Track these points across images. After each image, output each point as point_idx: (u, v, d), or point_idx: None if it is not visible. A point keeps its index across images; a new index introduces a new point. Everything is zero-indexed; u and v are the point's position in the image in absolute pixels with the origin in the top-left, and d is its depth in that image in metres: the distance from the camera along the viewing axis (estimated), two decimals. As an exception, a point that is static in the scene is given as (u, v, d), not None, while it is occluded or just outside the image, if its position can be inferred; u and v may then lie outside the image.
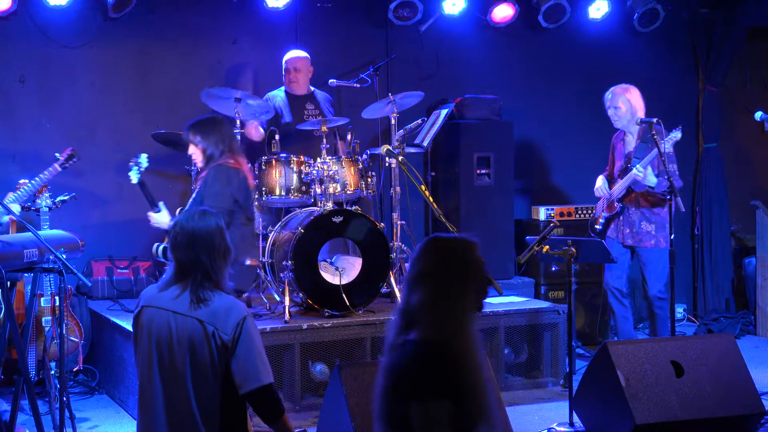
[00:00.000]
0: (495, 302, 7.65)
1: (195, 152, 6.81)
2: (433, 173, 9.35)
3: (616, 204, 7.90)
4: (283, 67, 8.48)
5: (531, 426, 6.58)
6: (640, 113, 7.87)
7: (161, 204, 6.87)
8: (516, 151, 9.38)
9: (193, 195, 6.89)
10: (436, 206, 7.03)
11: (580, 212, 9.37)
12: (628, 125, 7.91)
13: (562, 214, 9.33)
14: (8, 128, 8.43)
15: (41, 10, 8.37)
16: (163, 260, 6.70)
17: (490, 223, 8.99)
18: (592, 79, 9.92)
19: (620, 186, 7.85)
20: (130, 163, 7.07)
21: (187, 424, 4.15)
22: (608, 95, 7.97)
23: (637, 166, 7.58)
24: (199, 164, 6.78)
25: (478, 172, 9.07)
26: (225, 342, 4.13)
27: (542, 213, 9.34)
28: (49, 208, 7.06)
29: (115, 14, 8.48)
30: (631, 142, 7.94)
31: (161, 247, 6.61)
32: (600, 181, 8.07)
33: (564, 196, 10.07)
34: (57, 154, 7.31)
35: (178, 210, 6.46)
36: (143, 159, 7.06)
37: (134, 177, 7.01)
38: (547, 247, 6.57)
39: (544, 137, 10.15)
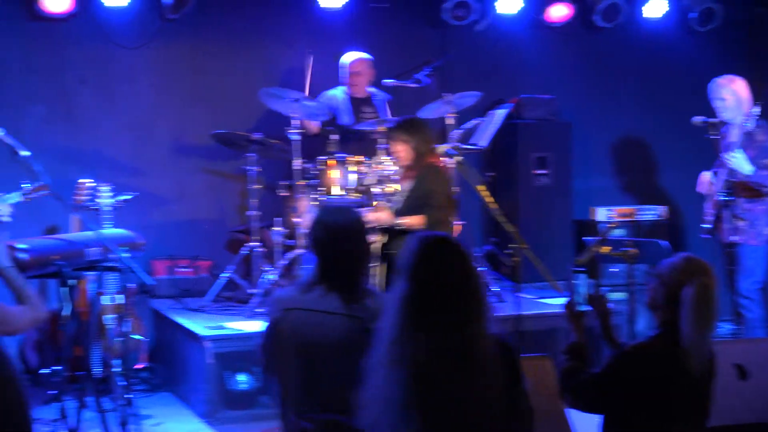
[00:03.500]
0: (554, 303, 7.57)
1: (402, 150, 6.74)
2: (490, 173, 9.29)
3: (718, 199, 7.55)
4: (346, 69, 8.44)
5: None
6: (748, 104, 7.52)
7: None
8: (574, 151, 9.29)
9: (406, 189, 6.77)
10: (494, 207, 6.96)
11: (640, 213, 9.24)
12: (735, 117, 7.56)
13: (622, 215, 9.21)
14: (68, 128, 8.49)
15: (101, 12, 8.42)
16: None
17: (548, 223, 8.93)
18: (650, 79, 9.81)
19: (719, 179, 7.55)
20: None
21: (344, 421, 3.96)
22: (712, 86, 7.62)
23: (732, 152, 7.23)
24: (405, 162, 6.73)
25: (536, 172, 9.01)
26: None
27: (601, 214, 9.23)
28: (111, 208, 7.07)
29: (172, 15, 8.51)
30: (736, 134, 7.57)
31: (381, 244, 6.63)
32: (706, 176, 7.75)
33: (623, 197, 9.95)
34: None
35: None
36: None
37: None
38: (608, 248, 6.48)
39: (602, 137, 10.04)
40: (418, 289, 3.31)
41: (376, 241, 6.66)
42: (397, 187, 7.49)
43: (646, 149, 9.75)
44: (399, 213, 6.61)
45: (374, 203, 6.91)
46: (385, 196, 7.11)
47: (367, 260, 4.23)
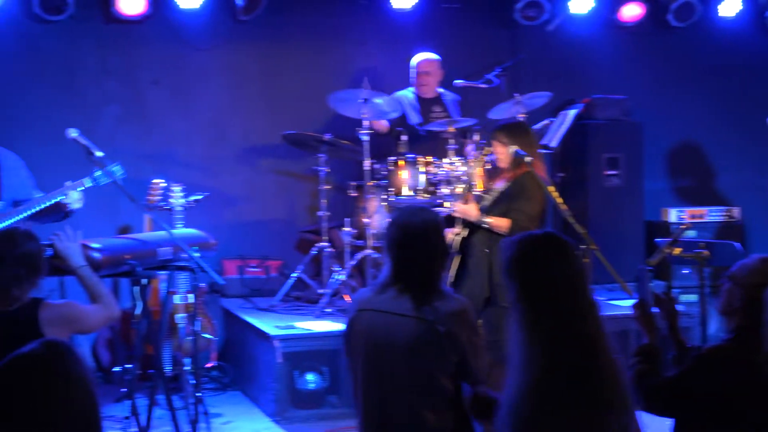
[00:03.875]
0: (624, 305, 7.48)
1: (502, 152, 6.73)
2: (561, 174, 9.20)
3: None
4: (414, 69, 8.44)
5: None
6: None
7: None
8: (646, 152, 9.18)
9: (499, 190, 6.77)
10: (564, 207, 6.88)
11: (712, 214, 9.10)
12: None
13: (694, 216, 9.08)
14: (142, 129, 8.60)
15: (174, 13, 8.51)
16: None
17: (619, 224, 8.83)
18: (725, 79, 9.66)
19: None
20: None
21: (410, 425, 3.96)
22: None
23: None
24: (503, 165, 6.71)
25: (607, 173, 8.93)
26: (455, 340, 3.91)
27: (673, 215, 9.11)
28: (183, 208, 7.15)
29: (244, 17, 8.58)
30: None
31: (460, 238, 6.59)
32: None
33: (696, 198, 9.81)
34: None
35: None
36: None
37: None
38: (679, 249, 6.37)
39: (675, 138, 9.91)
40: (529, 289, 3.25)
41: (457, 233, 6.61)
42: (480, 185, 7.45)
43: (718, 150, 9.61)
44: (485, 211, 6.55)
45: (467, 195, 6.87)
46: (461, 193, 7.06)
47: (442, 261, 4.11)
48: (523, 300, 3.24)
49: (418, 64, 8.44)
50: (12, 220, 5.69)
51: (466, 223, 6.58)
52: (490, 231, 6.36)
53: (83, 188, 5.72)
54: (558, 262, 3.29)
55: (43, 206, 5.70)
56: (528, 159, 6.34)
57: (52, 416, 2.37)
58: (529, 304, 3.23)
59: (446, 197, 7.41)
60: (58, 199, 5.69)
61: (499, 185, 6.71)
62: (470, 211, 6.58)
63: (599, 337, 3.25)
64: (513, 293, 3.28)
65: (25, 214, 5.74)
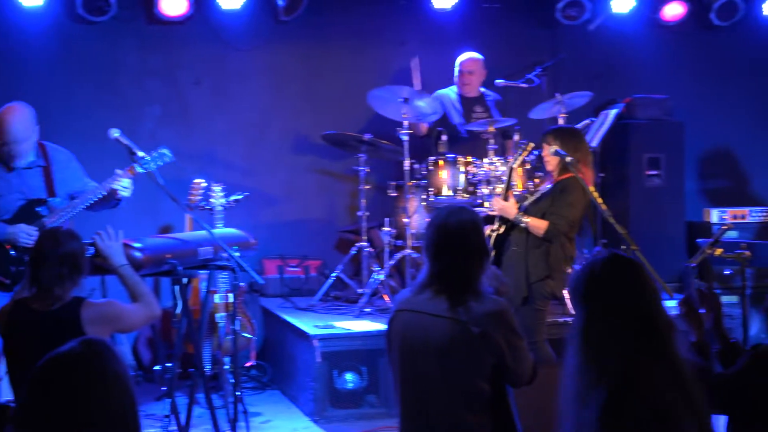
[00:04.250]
0: (667, 305, 7.41)
1: (551, 156, 6.72)
2: (601, 174, 9.14)
3: None
4: (457, 69, 8.42)
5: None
6: None
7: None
8: (687, 152, 9.11)
9: (541, 191, 6.76)
10: (605, 208, 6.83)
11: (754, 215, 9.01)
12: None
13: (735, 217, 8.99)
14: (183, 129, 8.64)
15: (215, 14, 8.55)
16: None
17: (660, 225, 8.76)
18: (765, 78, 9.55)
19: None
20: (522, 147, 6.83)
21: (448, 426, 3.93)
22: None
23: None
24: (550, 167, 6.69)
25: (648, 173, 8.86)
26: (490, 341, 3.87)
27: (715, 215, 9.03)
28: (223, 207, 7.18)
29: (285, 17, 8.60)
30: None
31: (495, 234, 6.55)
32: None
33: (738, 198, 9.71)
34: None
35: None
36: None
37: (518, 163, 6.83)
38: (721, 250, 6.32)
39: (716, 137, 9.82)
40: (604, 313, 3.15)
41: (493, 229, 6.58)
42: (519, 185, 7.43)
43: (760, 149, 9.51)
44: (525, 211, 6.51)
45: (509, 192, 6.81)
46: (501, 191, 7.03)
47: (480, 261, 4.04)
48: (598, 323, 3.15)
49: (462, 63, 8.42)
50: (70, 213, 5.81)
51: (504, 221, 6.54)
52: (527, 231, 6.32)
53: (134, 174, 5.84)
54: (632, 284, 3.21)
55: (97, 197, 5.83)
56: (568, 160, 6.28)
57: (89, 414, 2.39)
58: (604, 328, 3.14)
59: (486, 197, 7.40)
60: (111, 186, 5.83)
61: (544, 187, 6.67)
62: (509, 208, 6.52)
63: (677, 357, 3.16)
64: (584, 316, 3.20)
65: (81, 207, 5.86)
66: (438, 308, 3.93)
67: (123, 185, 5.88)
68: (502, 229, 6.55)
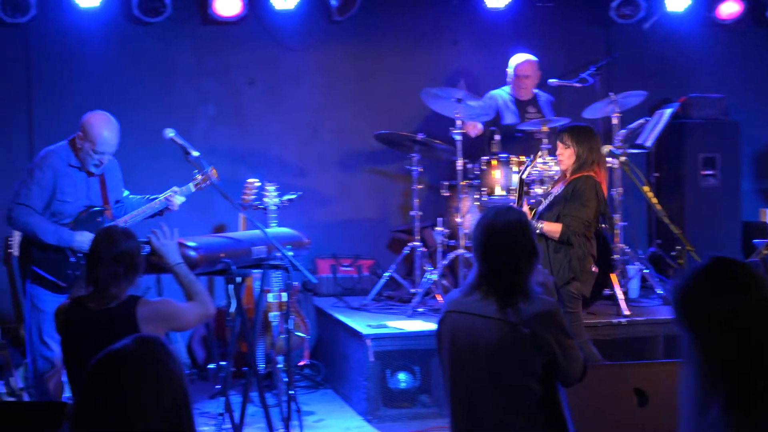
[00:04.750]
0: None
1: (565, 155, 6.67)
2: (656, 174, 9.09)
3: None
4: (512, 71, 8.35)
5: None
6: None
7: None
8: (743, 152, 9.01)
9: (554, 194, 6.73)
10: (659, 208, 6.78)
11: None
12: None
13: (793, 217, 8.88)
14: (237, 129, 8.69)
15: (269, 14, 8.58)
16: None
17: (715, 225, 8.68)
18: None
19: None
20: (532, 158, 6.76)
21: (498, 427, 3.92)
22: None
23: None
24: (563, 167, 6.65)
25: (704, 173, 8.78)
26: (541, 342, 3.84)
27: (771, 215, 8.92)
28: (277, 207, 7.20)
29: (339, 17, 8.61)
30: None
31: None
32: None
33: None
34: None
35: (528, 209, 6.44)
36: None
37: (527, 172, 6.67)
38: (777, 250, 6.23)
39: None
40: (711, 325, 2.83)
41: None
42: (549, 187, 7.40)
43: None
44: (540, 216, 6.43)
45: (522, 201, 6.76)
46: (533, 195, 7.01)
47: (529, 262, 3.98)
48: (704, 337, 2.86)
49: (518, 66, 8.34)
50: (129, 224, 5.91)
51: None
52: (545, 237, 6.25)
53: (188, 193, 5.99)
54: (740, 291, 2.87)
55: (156, 211, 6.00)
56: (622, 159, 6.22)
57: (142, 411, 2.39)
58: (712, 341, 2.85)
59: (538, 197, 7.35)
60: (165, 204, 6.01)
61: (556, 189, 6.60)
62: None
63: None
64: (689, 330, 2.89)
65: (141, 218, 5.99)
66: (487, 310, 3.91)
67: (178, 202, 6.00)
68: None
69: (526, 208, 6.51)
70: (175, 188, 6.04)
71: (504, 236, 3.99)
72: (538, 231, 6.22)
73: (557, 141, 6.62)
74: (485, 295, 3.95)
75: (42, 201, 5.84)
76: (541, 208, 6.49)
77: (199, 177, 5.83)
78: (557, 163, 6.75)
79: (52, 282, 5.73)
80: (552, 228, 6.24)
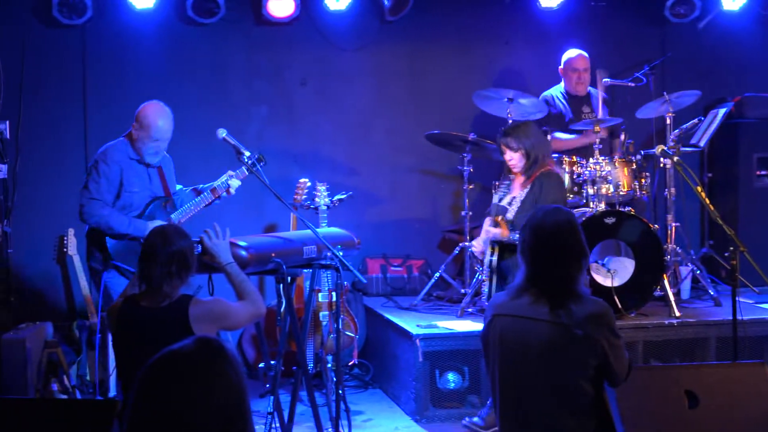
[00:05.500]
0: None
1: (514, 157, 6.60)
2: (709, 174, 9.03)
3: None
4: (568, 67, 8.33)
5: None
6: None
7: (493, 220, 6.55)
8: (801, 152, 8.93)
9: (519, 198, 6.70)
10: (712, 208, 6.73)
11: None
12: None
13: None
14: (289, 129, 8.73)
15: (322, 15, 8.64)
16: (486, 269, 6.60)
17: (769, 226, 8.60)
18: None
19: None
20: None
21: (549, 427, 3.92)
22: None
23: None
24: (517, 169, 6.61)
25: (759, 173, 8.70)
26: (594, 343, 3.85)
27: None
28: (328, 207, 7.25)
29: (391, 17, 8.64)
30: None
31: (492, 258, 6.44)
32: None
33: None
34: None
35: (487, 222, 6.40)
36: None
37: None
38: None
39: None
40: None
41: (491, 256, 6.47)
42: (610, 187, 7.37)
43: None
44: (514, 226, 6.34)
45: (497, 218, 6.69)
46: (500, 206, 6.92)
47: (578, 263, 3.99)
48: None
49: (574, 61, 8.30)
50: (192, 212, 6.10)
51: (500, 244, 6.39)
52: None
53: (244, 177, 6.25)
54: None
55: (212, 198, 6.28)
56: (665, 152, 6.16)
57: (198, 412, 2.39)
58: None
59: (591, 197, 7.35)
60: (225, 186, 6.28)
61: (519, 193, 6.52)
62: (499, 231, 6.37)
63: None
64: None
65: (201, 206, 6.16)
66: (538, 312, 3.91)
67: (235, 186, 6.17)
68: (497, 251, 6.40)
69: (502, 224, 6.39)
70: (230, 172, 6.21)
71: (553, 237, 3.99)
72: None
73: (501, 145, 6.55)
74: (535, 297, 3.95)
75: (111, 194, 6.06)
76: (511, 216, 6.39)
77: (249, 161, 5.90)
78: (513, 167, 6.64)
79: (132, 273, 5.85)
80: None
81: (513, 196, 6.80)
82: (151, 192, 6.26)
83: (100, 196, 6.08)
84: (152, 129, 6.16)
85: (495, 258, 6.46)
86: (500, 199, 6.96)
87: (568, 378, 3.87)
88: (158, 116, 6.19)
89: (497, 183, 7.21)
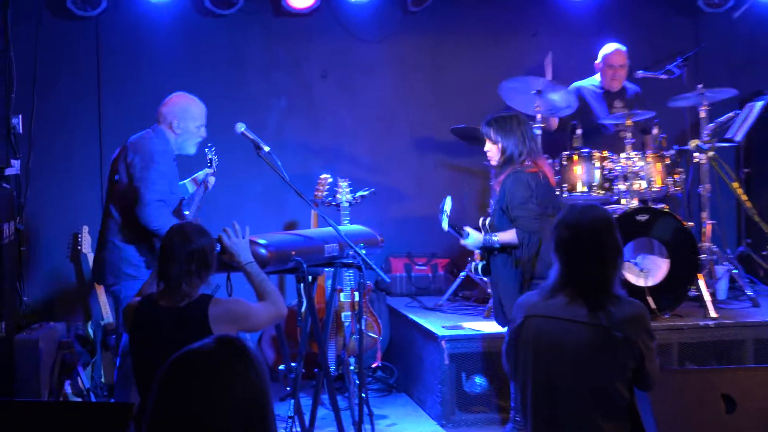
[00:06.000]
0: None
1: (492, 149, 6.51)
2: (746, 170, 8.97)
3: None
4: (603, 62, 8.28)
5: None
6: None
7: (467, 229, 6.51)
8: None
9: (493, 201, 6.69)
10: (750, 205, 6.69)
11: None
12: None
13: None
14: (309, 123, 8.71)
15: (343, 5, 8.63)
16: (481, 277, 6.52)
17: (808, 223, 8.52)
18: None
19: None
20: (441, 209, 6.50)
21: (585, 430, 3.89)
22: None
23: None
24: (494, 162, 6.57)
25: (798, 169, 8.66)
26: (632, 345, 3.84)
27: None
28: (350, 204, 7.24)
29: (414, 8, 8.63)
30: None
31: (480, 266, 6.39)
32: None
33: None
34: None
35: (480, 221, 6.35)
36: (448, 205, 6.73)
37: (446, 224, 6.42)
38: None
39: None
40: None
41: (477, 263, 6.41)
42: (642, 183, 7.33)
43: None
44: (492, 228, 6.25)
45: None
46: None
47: (615, 262, 3.97)
48: None
49: (610, 56, 8.25)
50: (196, 205, 6.13)
51: (483, 251, 6.33)
52: (508, 248, 6.07)
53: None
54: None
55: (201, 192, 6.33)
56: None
57: (219, 413, 2.38)
58: None
59: (623, 194, 7.31)
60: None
61: (494, 196, 6.41)
62: (475, 240, 6.27)
63: None
64: None
65: (200, 199, 6.20)
66: (575, 314, 3.89)
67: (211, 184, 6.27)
68: (484, 261, 6.34)
69: (476, 232, 6.29)
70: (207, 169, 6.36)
71: (591, 235, 3.96)
72: (498, 246, 6.09)
73: (484, 136, 6.42)
74: (572, 298, 3.93)
75: (165, 194, 5.99)
76: (487, 221, 6.32)
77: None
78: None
79: None
80: (506, 236, 6.03)
81: (492, 199, 6.69)
82: (179, 190, 6.27)
83: (160, 197, 5.97)
84: (198, 116, 6.22)
85: (482, 266, 6.36)
86: (492, 199, 6.85)
87: (605, 381, 3.85)
88: (196, 102, 6.25)
89: None
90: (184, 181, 6.42)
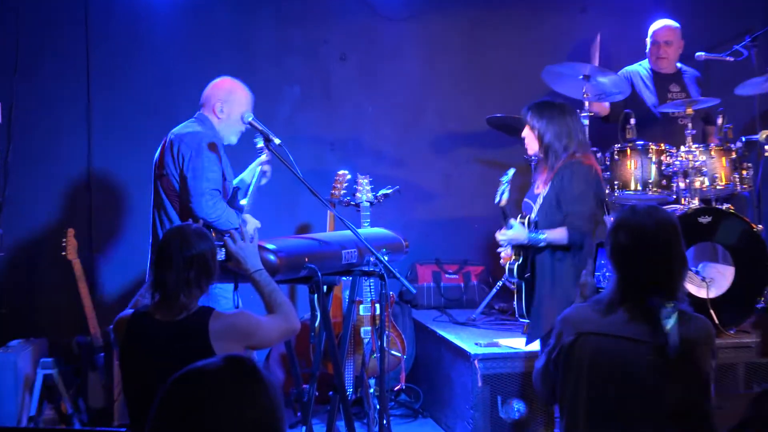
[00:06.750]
0: None
1: (529, 136, 6.45)
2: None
3: None
4: (650, 39, 8.31)
5: None
6: None
7: (512, 221, 6.48)
8: None
9: (542, 194, 6.69)
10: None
11: None
12: None
13: None
14: (326, 112, 8.74)
15: (364, -22, 8.67)
16: (513, 280, 6.52)
17: None
18: None
19: None
20: (502, 180, 6.46)
21: None
22: None
23: None
24: (530, 152, 6.55)
25: None
26: (699, 366, 3.84)
27: None
28: (371, 203, 7.25)
29: (445, -19, 8.67)
30: None
31: (516, 267, 6.38)
32: None
33: None
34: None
35: (519, 218, 6.34)
36: (509, 176, 6.53)
37: (504, 199, 6.35)
38: None
39: None
40: None
41: (512, 262, 6.39)
42: (705, 180, 7.32)
43: None
44: (537, 225, 6.23)
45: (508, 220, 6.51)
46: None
47: (682, 272, 3.96)
48: None
49: (656, 32, 8.31)
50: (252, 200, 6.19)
51: (520, 248, 6.31)
52: (551, 249, 6.09)
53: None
54: None
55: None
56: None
57: None
58: None
59: (683, 192, 7.30)
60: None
61: (542, 191, 6.40)
62: (518, 234, 6.26)
63: None
64: None
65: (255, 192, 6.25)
66: (638, 331, 3.87)
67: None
68: (520, 259, 6.34)
69: (518, 225, 6.27)
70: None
71: (657, 240, 3.94)
72: (543, 244, 6.09)
73: (523, 122, 6.40)
74: (632, 314, 3.91)
75: (218, 182, 6.06)
76: (533, 216, 6.30)
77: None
78: (528, 147, 6.51)
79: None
80: (556, 235, 6.04)
81: (538, 192, 6.70)
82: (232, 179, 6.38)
83: (219, 186, 6.06)
84: (247, 101, 6.35)
85: (516, 265, 6.35)
86: (529, 195, 6.85)
87: (672, 406, 3.84)
88: (242, 87, 6.42)
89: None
90: (243, 175, 6.51)
